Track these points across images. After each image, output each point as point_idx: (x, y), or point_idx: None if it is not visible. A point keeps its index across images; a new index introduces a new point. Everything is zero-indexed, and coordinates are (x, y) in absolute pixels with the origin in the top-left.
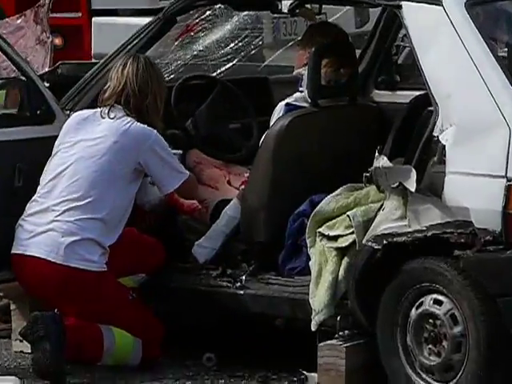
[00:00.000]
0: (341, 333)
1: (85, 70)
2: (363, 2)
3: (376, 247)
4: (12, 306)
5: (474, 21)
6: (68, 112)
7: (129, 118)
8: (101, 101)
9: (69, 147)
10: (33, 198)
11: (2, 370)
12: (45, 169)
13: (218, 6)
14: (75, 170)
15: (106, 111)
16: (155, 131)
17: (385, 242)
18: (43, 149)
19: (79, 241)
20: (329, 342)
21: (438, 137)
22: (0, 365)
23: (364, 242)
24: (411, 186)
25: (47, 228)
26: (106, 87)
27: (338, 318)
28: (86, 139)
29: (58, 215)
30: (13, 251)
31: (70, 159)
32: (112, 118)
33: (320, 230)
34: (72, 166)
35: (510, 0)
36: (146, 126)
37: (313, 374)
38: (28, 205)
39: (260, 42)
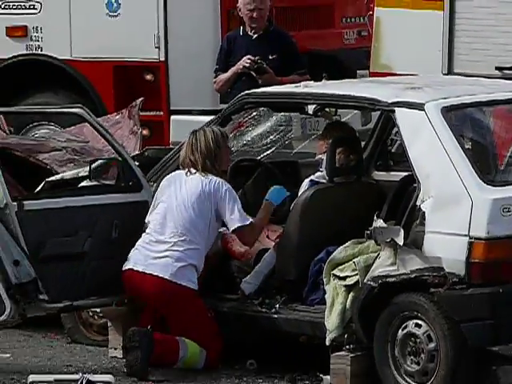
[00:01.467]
0: (347, 346)
1: (165, 153)
2: (367, 107)
3: (374, 285)
4: (109, 324)
5: (447, 122)
6: (152, 184)
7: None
8: (180, 166)
9: (168, 198)
10: (147, 231)
11: (101, 370)
12: (152, 211)
13: (261, 108)
14: (177, 214)
15: (187, 172)
16: (228, 185)
17: (380, 281)
18: (133, 210)
19: (186, 265)
20: (338, 353)
21: (420, 206)
22: (100, 366)
23: (365, 281)
24: (400, 241)
25: (163, 255)
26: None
27: (346, 336)
28: (180, 192)
29: (171, 246)
30: (131, 267)
31: (171, 207)
32: (194, 174)
33: (333, 272)
34: (174, 211)
35: (475, 107)
36: (222, 180)
37: (327, 376)
38: (143, 236)
39: (292, 135)
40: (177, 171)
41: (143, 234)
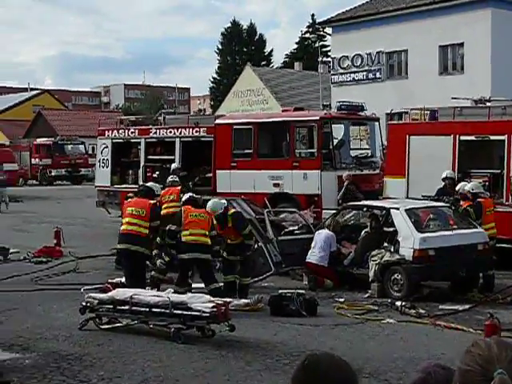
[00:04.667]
0: (376, 282)
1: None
2: (381, 209)
3: (383, 263)
4: (304, 275)
5: (407, 214)
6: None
7: None
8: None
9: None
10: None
11: (299, 288)
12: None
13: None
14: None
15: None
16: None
17: (386, 262)
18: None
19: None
20: (373, 283)
21: (398, 239)
22: (300, 288)
23: (381, 262)
24: (391, 249)
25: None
26: None
27: (376, 278)
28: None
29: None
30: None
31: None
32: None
33: (372, 258)
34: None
35: (416, 209)
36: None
37: (370, 290)
38: None
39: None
40: None
41: None
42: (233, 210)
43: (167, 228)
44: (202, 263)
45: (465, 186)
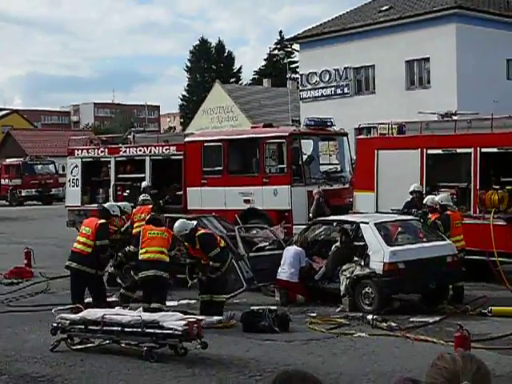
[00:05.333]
0: (347, 296)
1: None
2: (351, 223)
3: (354, 277)
4: (276, 290)
5: (376, 228)
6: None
7: None
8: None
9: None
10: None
11: (271, 304)
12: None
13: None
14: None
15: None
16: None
17: (356, 276)
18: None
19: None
20: (344, 298)
21: (368, 252)
22: (272, 304)
23: (352, 275)
24: (362, 263)
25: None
26: None
27: (346, 292)
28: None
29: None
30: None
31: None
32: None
33: (343, 272)
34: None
35: (384, 223)
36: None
37: (340, 305)
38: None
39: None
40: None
41: None
42: (201, 232)
43: (126, 250)
44: (156, 280)
45: (433, 199)
